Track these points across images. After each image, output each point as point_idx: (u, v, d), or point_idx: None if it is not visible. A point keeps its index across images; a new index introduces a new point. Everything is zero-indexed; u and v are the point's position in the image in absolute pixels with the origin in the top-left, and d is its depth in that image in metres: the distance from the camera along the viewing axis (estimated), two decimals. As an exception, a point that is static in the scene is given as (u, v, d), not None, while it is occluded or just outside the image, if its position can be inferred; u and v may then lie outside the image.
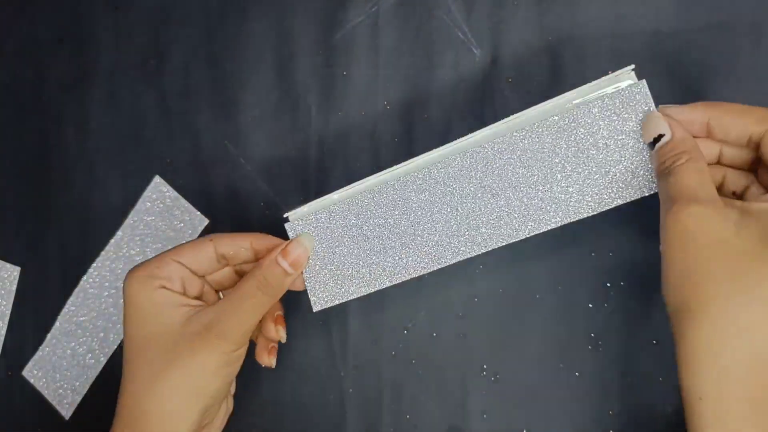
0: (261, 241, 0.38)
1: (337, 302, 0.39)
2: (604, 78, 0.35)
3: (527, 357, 0.43)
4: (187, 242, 0.38)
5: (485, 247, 0.37)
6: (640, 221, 0.42)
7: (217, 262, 0.38)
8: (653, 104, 0.34)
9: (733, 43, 0.42)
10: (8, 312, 0.48)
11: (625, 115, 0.35)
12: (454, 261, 0.37)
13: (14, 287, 0.48)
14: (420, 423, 0.44)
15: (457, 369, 0.44)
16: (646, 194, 0.35)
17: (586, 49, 0.43)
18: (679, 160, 0.33)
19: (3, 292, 0.48)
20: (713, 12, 0.42)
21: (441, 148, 0.37)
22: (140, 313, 0.36)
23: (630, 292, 0.42)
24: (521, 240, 0.39)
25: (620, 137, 0.35)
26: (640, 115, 0.34)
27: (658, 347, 0.41)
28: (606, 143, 0.35)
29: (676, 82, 0.42)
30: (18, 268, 0.49)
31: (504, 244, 0.37)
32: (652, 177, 0.35)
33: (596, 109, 0.35)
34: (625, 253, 0.42)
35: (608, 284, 0.42)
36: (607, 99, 0.35)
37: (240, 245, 0.38)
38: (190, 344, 0.35)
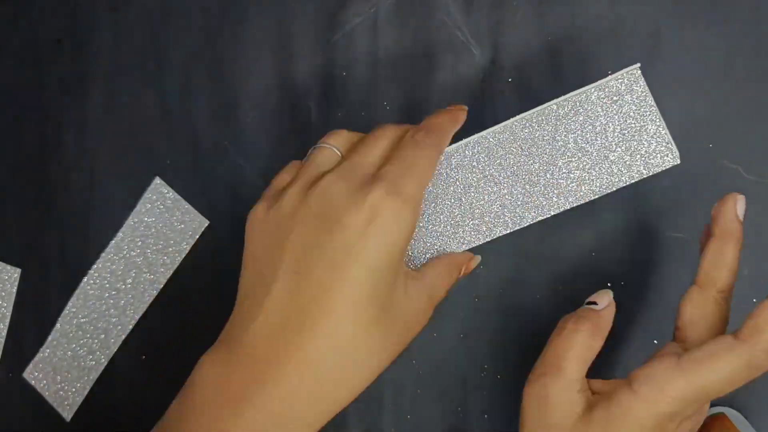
0: None
1: None
2: (609, 77, 0.36)
3: (528, 357, 0.43)
4: None
5: (490, 235, 0.37)
6: (641, 221, 0.42)
7: None
8: (646, 87, 0.35)
9: (733, 42, 0.42)
10: (8, 314, 0.48)
11: (621, 100, 0.35)
12: (459, 250, 0.37)
13: (14, 289, 0.48)
14: (421, 423, 0.44)
15: (458, 369, 0.44)
16: (645, 176, 0.36)
17: (586, 49, 0.43)
18: (581, 325, 0.33)
19: (3, 293, 0.48)
20: (713, 11, 0.42)
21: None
22: None
23: (630, 292, 0.42)
24: (522, 240, 0.39)
25: (618, 122, 0.36)
26: (635, 98, 0.35)
27: (659, 347, 0.41)
28: (604, 128, 0.36)
29: (677, 82, 0.42)
30: (18, 270, 0.49)
31: (508, 231, 0.37)
32: (649, 158, 0.35)
33: (594, 96, 0.36)
34: (625, 254, 0.42)
35: (609, 284, 0.42)
36: (604, 85, 0.35)
37: None
38: None
